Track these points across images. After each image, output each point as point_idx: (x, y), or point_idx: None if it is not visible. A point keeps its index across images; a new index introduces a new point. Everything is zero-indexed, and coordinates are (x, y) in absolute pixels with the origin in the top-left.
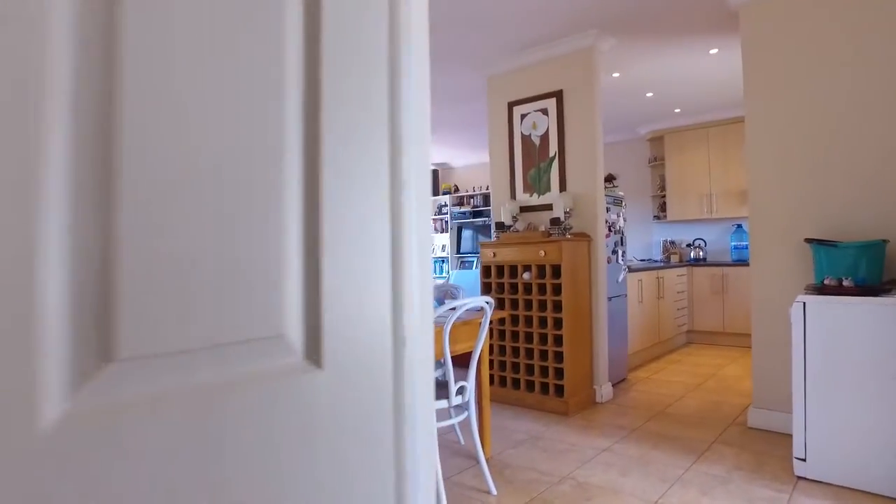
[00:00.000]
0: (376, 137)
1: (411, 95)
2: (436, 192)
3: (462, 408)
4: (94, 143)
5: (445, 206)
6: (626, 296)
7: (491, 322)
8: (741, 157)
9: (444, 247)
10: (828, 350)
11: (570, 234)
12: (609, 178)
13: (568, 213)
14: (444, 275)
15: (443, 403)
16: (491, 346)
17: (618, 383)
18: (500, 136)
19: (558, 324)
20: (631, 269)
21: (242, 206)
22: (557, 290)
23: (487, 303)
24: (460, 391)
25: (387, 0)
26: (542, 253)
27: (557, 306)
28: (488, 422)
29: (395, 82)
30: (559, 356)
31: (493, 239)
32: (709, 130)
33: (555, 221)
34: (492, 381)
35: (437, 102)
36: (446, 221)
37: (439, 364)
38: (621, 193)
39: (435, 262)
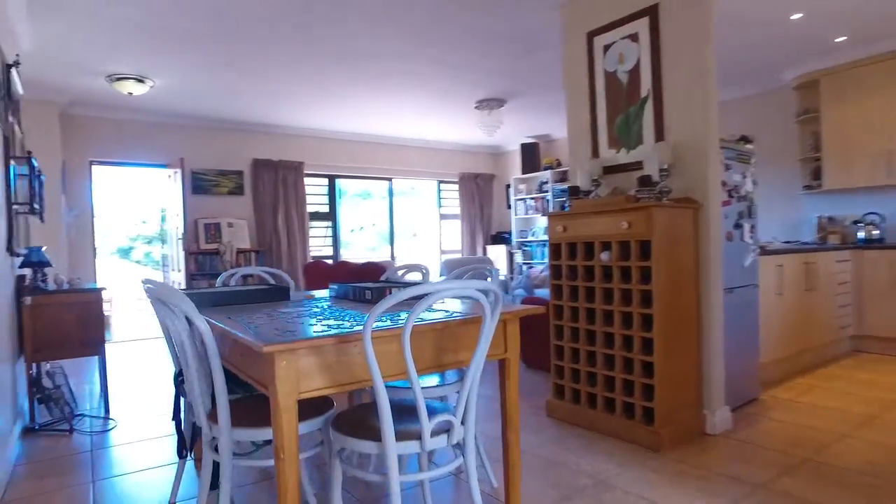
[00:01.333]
0: None
1: None
2: (536, 168)
3: (458, 449)
4: None
5: (546, 183)
6: (756, 286)
7: (560, 317)
8: None
9: (546, 229)
10: None
11: (668, 198)
12: (743, 141)
13: (665, 170)
14: (544, 260)
15: (412, 446)
16: (561, 349)
17: (742, 406)
18: (578, 78)
19: (647, 323)
20: (765, 251)
21: None
22: (646, 275)
23: (484, 291)
24: (444, 428)
25: None
26: (625, 224)
27: (646, 298)
28: (517, 463)
29: None
30: (648, 367)
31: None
32: (890, 63)
33: (644, 181)
34: (562, 395)
35: (514, 51)
36: (547, 200)
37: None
38: (749, 147)
39: (535, 246)
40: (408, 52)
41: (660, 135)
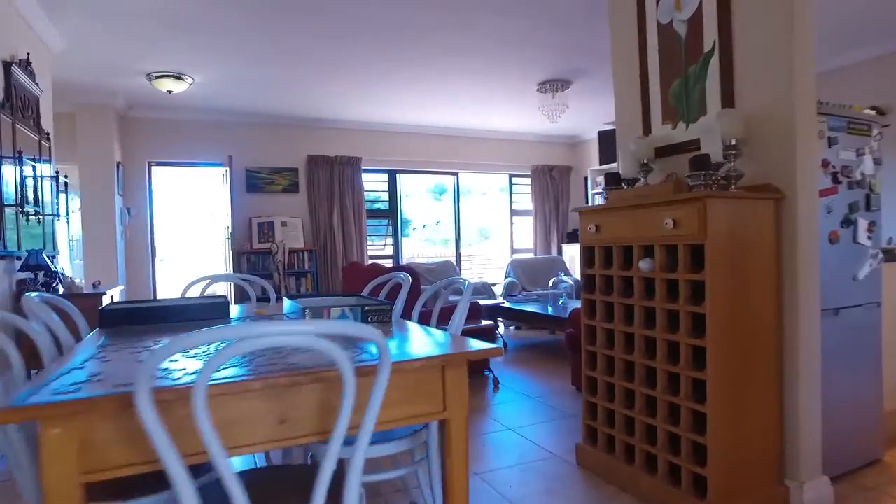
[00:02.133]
0: None
1: None
2: (616, 158)
3: None
4: None
5: None
6: (878, 305)
7: (593, 341)
8: None
9: None
10: None
11: (737, 186)
12: (874, 111)
13: (733, 147)
14: None
15: None
16: (593, 383)
17: (851, 474)
18: (626, 35)
19: (700, 358)
20: (893, 256)
21: None
22: (699, 292)
23: (340, 338)
24: None
25: None
26: (669, 223)
27: (698, 324)
28: None
29: None
30: (700, 419)
31: (602, 202)
32: None
33: (699, 163)
34: (594, 441)
35: (575, 19)
36: None
37: None
38: (870, 112)
39: None
40: (462, 22)
41: (728, 100)
